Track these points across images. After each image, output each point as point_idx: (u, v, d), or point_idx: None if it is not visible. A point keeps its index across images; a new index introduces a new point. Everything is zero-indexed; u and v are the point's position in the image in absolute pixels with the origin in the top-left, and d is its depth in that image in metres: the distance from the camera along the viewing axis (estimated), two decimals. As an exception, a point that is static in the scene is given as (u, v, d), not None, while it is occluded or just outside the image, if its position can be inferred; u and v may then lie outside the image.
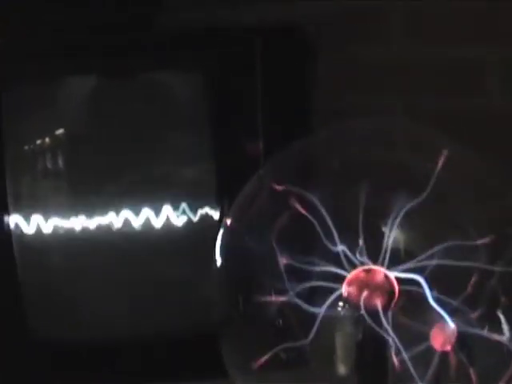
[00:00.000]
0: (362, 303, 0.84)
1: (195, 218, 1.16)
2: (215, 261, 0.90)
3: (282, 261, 0.85)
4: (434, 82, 1.34)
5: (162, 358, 1.16)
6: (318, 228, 0.84)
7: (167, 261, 1.15)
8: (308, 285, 0.85)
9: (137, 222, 1.14)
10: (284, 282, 0.86)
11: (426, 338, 0.84)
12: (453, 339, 0.84)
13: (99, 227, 1.15)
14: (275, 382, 0.89)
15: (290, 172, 0.87)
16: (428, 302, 0.84)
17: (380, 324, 0.83)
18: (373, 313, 0.84)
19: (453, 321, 0.84)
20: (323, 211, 0.84)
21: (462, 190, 0.87)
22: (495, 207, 0.88)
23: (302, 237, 0.85)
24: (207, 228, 1.10)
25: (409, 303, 0.85)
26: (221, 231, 0.91)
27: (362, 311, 0.84)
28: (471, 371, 0.84)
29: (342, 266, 0.85)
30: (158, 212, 1.15)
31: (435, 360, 0.85)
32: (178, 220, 1.15)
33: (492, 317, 0.86)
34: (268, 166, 0.90)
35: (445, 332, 0.84)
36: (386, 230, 0.85)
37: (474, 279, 0.85)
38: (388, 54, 1.35)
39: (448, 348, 0.85)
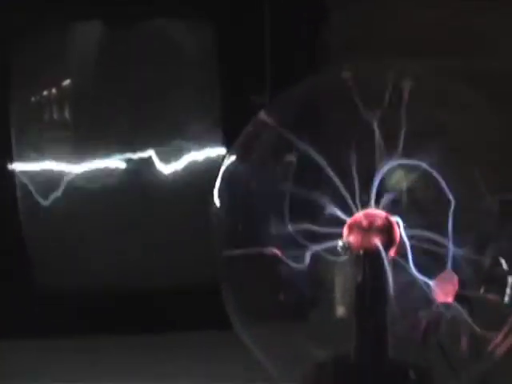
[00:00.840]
0: (362, 245, 0.83)
1: (202, 167, 1.15)
2: (214, 203, 0.91)
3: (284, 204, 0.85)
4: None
5: (163, 308, 1.16)
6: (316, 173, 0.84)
7: (169, 208, 1.15)
8: (308, 228, 0.84)
9: (143, 169, 1.15)
10: (285, 226, 0.85)
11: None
12: (455, 291, 0.83)
13: (104, 174, 1.15)
14: (277, 331, 0.89)
15: (289, 115, 0.87)
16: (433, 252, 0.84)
17: (380, 267, 0.83)
18: (373, 255, 0.83)
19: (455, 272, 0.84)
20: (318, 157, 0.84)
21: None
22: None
23: (302, 181, 0.85)
24: (213, 177, 1.09)
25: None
26: (221, 171, 0.91)
27: (362, 253, 0.83)
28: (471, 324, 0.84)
29: (342, 211, 0.84)
30: (164, 159, 1.15)
31: (436, 311, 0.85)
32: (185, 167, 1.15)
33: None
34: (270, 107, 0.89)
35: (447, 283, 0.83)
36: (384, 173, 0.84)
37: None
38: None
39: (450, 300, 0.84)
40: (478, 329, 0.83)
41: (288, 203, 0.85)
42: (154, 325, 1.16)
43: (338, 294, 0.87)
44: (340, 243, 0.84)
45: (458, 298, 0.84)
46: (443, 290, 0.83)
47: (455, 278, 0.83)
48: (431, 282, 0.83)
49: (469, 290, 0.84)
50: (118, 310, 1.17)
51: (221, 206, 0.90)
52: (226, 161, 0.90)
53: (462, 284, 0.83)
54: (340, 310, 0.87)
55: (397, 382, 0.87)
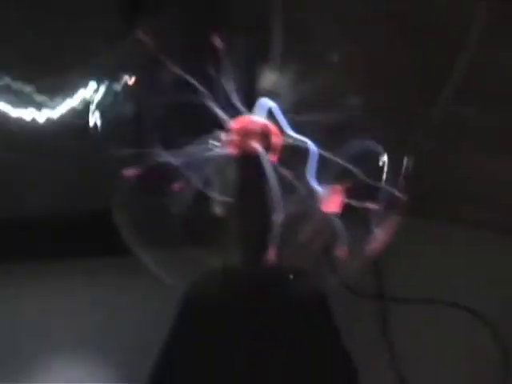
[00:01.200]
0: (239, 148, 0.83)
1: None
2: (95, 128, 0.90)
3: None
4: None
5: (54, 235, 1.14)
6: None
7: (61, 138, 1.12)
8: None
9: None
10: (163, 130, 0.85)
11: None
12: (341, 201, 0.85)
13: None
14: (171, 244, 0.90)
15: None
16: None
17: (259, 166, 0.82)
18: (250, 158, 0.83)
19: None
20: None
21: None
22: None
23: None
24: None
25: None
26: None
27: (240, 156, 0.83)
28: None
29: (222, 113, 0.83)
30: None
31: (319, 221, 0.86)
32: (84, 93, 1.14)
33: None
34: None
35: (334, 194, 0.85)
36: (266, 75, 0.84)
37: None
38: None
39: (337, 210, 0.86)
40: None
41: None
42: (48, 252, 1.16)
43: (218, 192, 0.87)
44: (217, 149, 0.84)
45: (345, 207, 0.85)
46: (330, 200, 0.85)
47: (341, 189, 0.85)
48: (319, 191, 0.85)
49: (355, 200, 0.85)
50: (12, 237, 1.16)
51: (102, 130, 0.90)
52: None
53: (348, 194, 0.85)
54: (218, 210, 0.88)
55: (276, 284, 0.89)
